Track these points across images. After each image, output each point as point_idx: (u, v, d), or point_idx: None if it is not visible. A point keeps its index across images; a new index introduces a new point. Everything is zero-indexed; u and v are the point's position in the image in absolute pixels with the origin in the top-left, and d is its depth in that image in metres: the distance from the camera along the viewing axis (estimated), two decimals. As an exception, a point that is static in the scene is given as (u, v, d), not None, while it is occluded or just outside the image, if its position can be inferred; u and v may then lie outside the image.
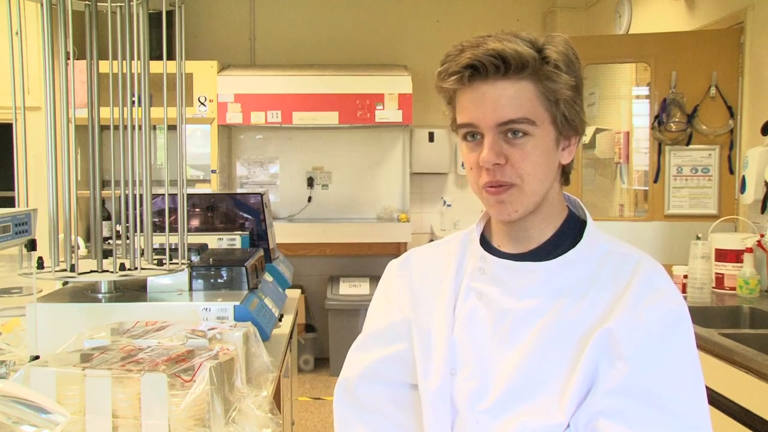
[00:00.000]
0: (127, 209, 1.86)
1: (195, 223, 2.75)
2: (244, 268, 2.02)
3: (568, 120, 1.07)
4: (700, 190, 3.50)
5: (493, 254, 1.15)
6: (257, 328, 1.76)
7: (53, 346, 1.66)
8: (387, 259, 1.36)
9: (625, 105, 4.60)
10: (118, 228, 1.89)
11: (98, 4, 1.87)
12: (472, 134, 1.07)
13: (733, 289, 2.94)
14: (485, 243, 1.18)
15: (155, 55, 1.97)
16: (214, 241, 2.54)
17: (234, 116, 4.91)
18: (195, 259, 2.08)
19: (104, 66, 1.83)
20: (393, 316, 1.21)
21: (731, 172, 3.44)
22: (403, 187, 5.41)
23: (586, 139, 4.30)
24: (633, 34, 4.41)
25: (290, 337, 2.40)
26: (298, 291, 3.01)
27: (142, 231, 1.88)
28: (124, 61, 1.84)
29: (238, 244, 2.57)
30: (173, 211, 2.15)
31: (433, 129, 5.42)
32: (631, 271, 1.08)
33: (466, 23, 5.42)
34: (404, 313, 1.20)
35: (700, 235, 2.95)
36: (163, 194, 2.08)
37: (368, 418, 1.20)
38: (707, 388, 1.05)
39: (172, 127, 1.93)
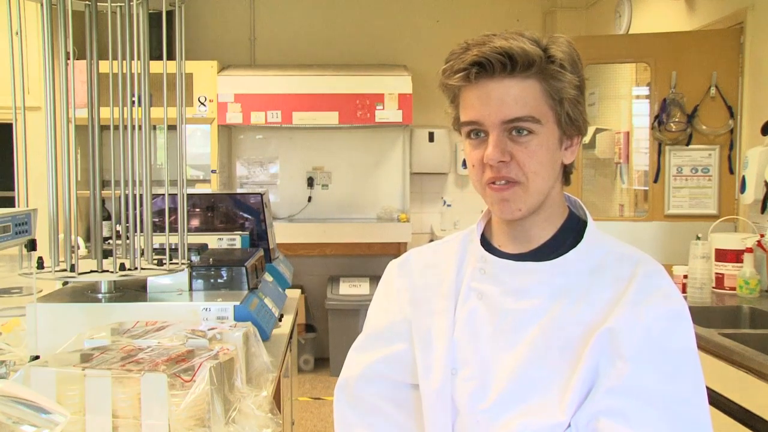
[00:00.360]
0: (127, 209, 1.86)
1: (195, 223, 2.75)
2: (244, 268, 2.02)
3: (572, 119, 1.07)
4: (700, 190, 3.50)
5: (493, 254, 1.15)
6: (257, 328, 1.76)
7: (53, 346, 1.66)
8: (387, 259, 1.36)
9: (625, 105, 4.60)
10: (118, 228, 1.89)
11: (98, 4, 1.87)
12: (477, 132, 1.07)
13: (733, 289, 2.94)
14: (486, 243, 1.18)
15: (155, 55, 1.97)
16: (214, 241, 2.54)
17: (234, 116, 4.91)
18: (195, 259, 2.08)
19: (104, 66, 1.83)
20: (393, 316, 1.21)
21: (731, 172, 3.44)
22: (403, 187, 5.41)
23: (586, 139, 4.30)
24: (633, 34, 4.41)
25: (290, 337, 2.40)
26: (298, 291, 3.01)
27: (142, 231, 1.88)
28: (124, 61, 1.84)
29: (238, 244, 2.58)
30: (173, 211, 2.15)
31: (433, 129, 5.42)
32: (632, 271, 1.08)
33: (466, 23, 5.42)
34: (404, 313, 1.20)
35: (700, 235, 2.95)
36: (163, 194, 2.09)
37: (368, 418, 1.20)
38: (707, 388, 1.05)
39: (172, 127, 1.93)
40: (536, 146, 1.05)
